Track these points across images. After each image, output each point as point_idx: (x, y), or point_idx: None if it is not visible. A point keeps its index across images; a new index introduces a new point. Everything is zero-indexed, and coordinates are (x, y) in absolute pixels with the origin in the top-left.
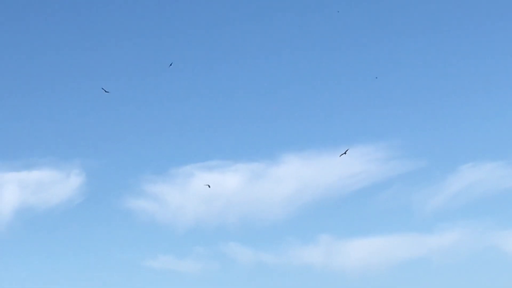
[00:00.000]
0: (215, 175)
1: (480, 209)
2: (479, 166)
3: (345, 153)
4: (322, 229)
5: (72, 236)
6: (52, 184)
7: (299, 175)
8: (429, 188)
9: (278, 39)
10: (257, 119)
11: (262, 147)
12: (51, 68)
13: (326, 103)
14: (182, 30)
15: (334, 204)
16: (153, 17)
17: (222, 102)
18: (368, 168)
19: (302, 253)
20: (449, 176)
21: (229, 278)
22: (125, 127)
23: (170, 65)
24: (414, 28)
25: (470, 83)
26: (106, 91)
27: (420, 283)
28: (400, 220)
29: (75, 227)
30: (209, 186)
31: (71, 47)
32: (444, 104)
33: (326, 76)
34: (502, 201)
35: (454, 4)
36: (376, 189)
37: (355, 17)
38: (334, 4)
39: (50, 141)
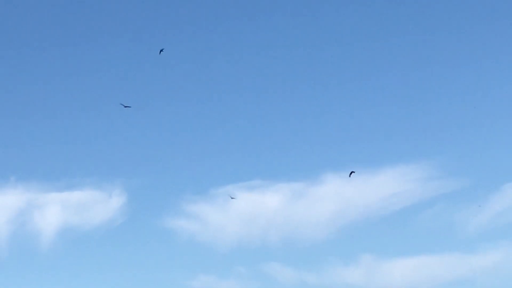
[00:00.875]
0: (256, 195)
1: None
2: None
3: (352, 172)
4: (363, 249)
5: (114, 256)
6: (94, 204)
7: (340, 195)
8: (471, 208)
9: (320, 66)
10: (298, 139)
11: (302, 166)
12: (93, 91)
13: (367, 123)
14: (227, 52)
15: (376, 224)
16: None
17: (263, 122)
18: (409, 188)
19: (343, 273)
20: (491, 195)
21: None
22: (166, 148)
23: (161, 51)
24: (457, 53)
25: None
26: (125, 106)
27: None
28: (443, 240)
29: (116, 247)
30: (232, 198)
31: (114, 72)
32: (485, 123)
33: (366, 98)
34: None
35: None
36: (418, 209)
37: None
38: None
39: (92, 162)
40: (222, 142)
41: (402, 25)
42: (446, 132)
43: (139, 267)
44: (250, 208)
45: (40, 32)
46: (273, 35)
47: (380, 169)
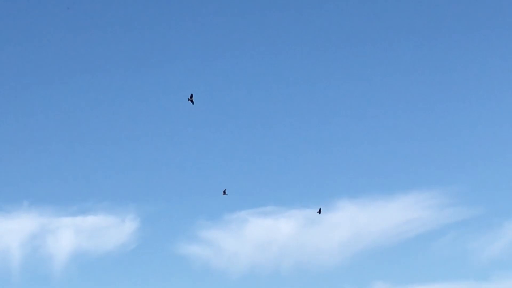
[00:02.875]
0: (269, 221)
1: None
2: None
3: (319, 212)
4: (377, 277)
5: (126, 281)
6: (107, 229)
7: (354, 222)
8: (485, 236)
9: (337, 94)
10: (312, 165)
11: (316, 193)
12: (107, 117)
13: (381, 150)
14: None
15: (389, 251)
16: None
17: (277, 148)
18: (423, 215)
19: None
20: (506, 224)
21: None
22: (180, 173)
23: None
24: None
25: None
26: (190, 100)
27: None
28: (457, 268)
29: (129, 272)
30: (224, 193)
31: (128, 96)
32: (500, 151)
33: (381, 125)
34: None
35: None
36: (432, 236)
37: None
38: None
39: (106, 186)
40: (236, 168)
41: (420, 54)
42: (460, 160)
43: None
44: (264, 234)
45: (60, 60)
46: (289, 61)
47: (394, 196)
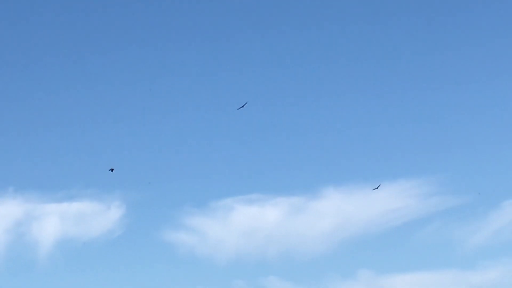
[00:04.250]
0: (255, 208)
1: None
2: None
3: (377, 187)
4: (362, 265)
5: (112, 268)
6: (93, 216)
7: (340, 210)
8: (471, 224)
9: (321, 81)
10: (298, 153)
11: (302, 181)
12: (93, 102)
13: (367, 138)
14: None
15: (375, 239)
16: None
17: (262, 136)
18: (409, 203)
19: None
20: (491, 212)
21: None
22: (165, 160)
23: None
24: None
25: None
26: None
27: None
28: (442, 257)
29: (115, 259)
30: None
31: (115, 82)
32: (486, 140)
33: (367, 112)
34: None
35: None
36: (417, 225)
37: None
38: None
39: (91, 173)
40: (222, 155)
41: (409, 45)
42: (446, 149)
43: (137, 280)
44: (249, 222)
45: (43, 39)
46: (274, 58)
47: (380, 183)
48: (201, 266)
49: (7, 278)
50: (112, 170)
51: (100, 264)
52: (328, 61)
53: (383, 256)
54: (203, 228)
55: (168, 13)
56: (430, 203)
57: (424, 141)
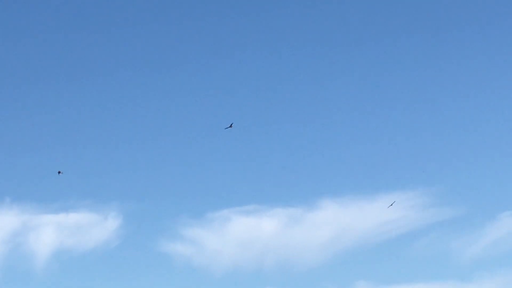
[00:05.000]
0: (252, 219)
1: None
2: None
3: (392, 205)
4: (359, 276)
5: (108, 279)
6: (90, 226)
7: (336, 221)
8: (467, 236)
9: (320, 92)
10: (295, 164)
11: (299, 192)
12: (89, 113)
13: (364, 150)
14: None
15: (372, 251)
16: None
17: (260, 147)
18: (406, 215)
19: None
20: (488, 224)
21: None
22: (162, 171)
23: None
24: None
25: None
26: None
27: None
28: (438, 268)
29: (111, 270)
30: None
31: (110, 94)
32: (482, 152)
33: (364, 125)
34: None
35: None
36: (414, 236)
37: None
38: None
39: (88, 184)
40: (219, 166)
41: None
42: (443, 160)
43: None
44: (246, 233)
45: (45, 40)
46: (273, 55)
47: (377, 195)
48: (198, 277)
49: None
50: (59, 172)
51: (97, 275)
52: (326, 74)
53: (380, 267)
54: (200, 239)
55: (166, 11)
56: (426, 215)
57: (420, 153)
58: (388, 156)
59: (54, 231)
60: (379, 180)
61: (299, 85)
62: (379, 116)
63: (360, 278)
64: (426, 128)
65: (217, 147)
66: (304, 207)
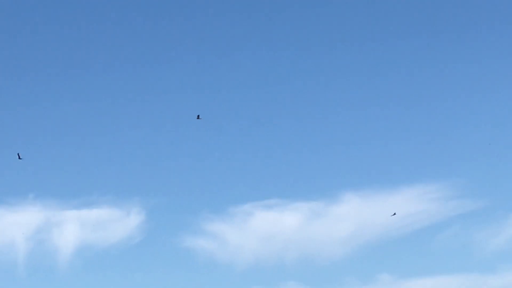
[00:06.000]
0: (273, 213)
1: None
2: None
3: (394, 214)
4: (381, 269)
5: (131, 274)
6: (112, 222)
7: (358, 214)
8: (490, 228)
9: (342, 88)
10: (316, 158)
11: (321, 185)
12: (113, 110)
13: (386, 143)
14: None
15: (394, 244)
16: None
17: (282, 141)
18: (428, 207)
19: None
20: (510, 216)
21: None
22: (184, 166)
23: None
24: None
25: None
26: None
27: None
28: (461, 260)
29: (134, 265)
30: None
31: (132, 90)
32: (504, 143)
33: (385, 118)
34: None
35: None
36: (437, 229)
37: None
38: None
39: (110, 180)
40: (241, 161)
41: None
42: (465, 152)
43: (156, 285)
44: (268, 227)
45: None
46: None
47: (398, 188)
48: (220, 272)
49: (28, 284)
50: (19, 156)
51: (120, 270)
52: (348, 70)
53: (403, 260)
54: (222, 234)
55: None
56: (449, 207)
57: (442, 146)
58: (410, 149)
59: (77, 227)
60: (400, 173)
61: (320, 78)
62: (401, 109)
63: (383, 271)
64: (448, 121)
65: (239, 142)
66: (325, 200)
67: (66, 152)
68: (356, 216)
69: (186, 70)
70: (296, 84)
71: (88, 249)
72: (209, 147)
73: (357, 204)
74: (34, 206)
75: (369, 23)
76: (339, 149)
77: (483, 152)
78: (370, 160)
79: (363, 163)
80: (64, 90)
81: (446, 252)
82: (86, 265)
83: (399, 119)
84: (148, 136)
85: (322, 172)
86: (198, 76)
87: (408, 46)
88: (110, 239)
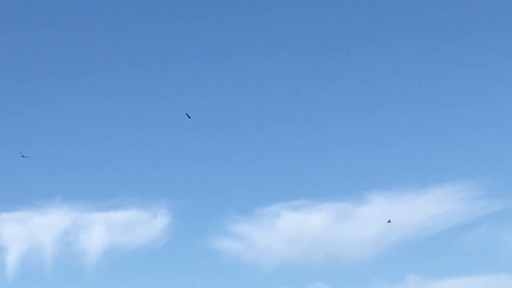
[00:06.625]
0: (300, 214)
1: None
2: None
3: (389, 221)
4: (409, 270)
5: (158, 276)
6: (139, 224)
7: (386, 215)
8: None
9: (368, 92)
10: (343, 159)
11: (347, 186)
12: (140, 113)
13: (413, 143)
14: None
15: (422, 244)
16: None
17: (308, 143)
18: (456, 208)
19: None
20: None
21: None
22: (211, 168)
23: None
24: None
25: None
26: (188, 116)
27: None
28: (489, 261)
29: (161, 267)
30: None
31: (155, 94)
32: None
33: (413, 118)
34: None
35: None
36: (465, 229)
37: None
38: None
39: (137, 182)
40: (267, 162)
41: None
42: (492, 152)
43: (183, 287)
44: (295, 228)
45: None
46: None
47: (426, 188)
48: (247, 273)
49: (55, 287)
50: (23, 155)
51: (147, 272)
52: (367, 68)
53: (431, 261)
54: (248, 235)
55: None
56: (477, 207)
57: (469, 145)
58: (437, 149)
59: (104, 229)
60: (427, 173)
61: (344, 79)
62: (428, 110)
63: (411, 272)
64: (476, 120)
65: (266, 143)
66: (352, 201)
67: (94, 155)
68: (383, 216)
69: (208, 72)
70: (321, 85)
71: (115, 251)
72: (236, 149)
73: (384, 204)
74: (61, 209)
75: (375, 25)
76: (366, 150)
77: (510, 151)
78: (396, 161)
79: (389, 163)
80: (92, 92)
81: (474, 253)
82: (113, 267)
83: (426, 120)
84: (175, 138)
85: (349, 173)
86: (216, 78)
87: (431, 42)
88: (137, 241)
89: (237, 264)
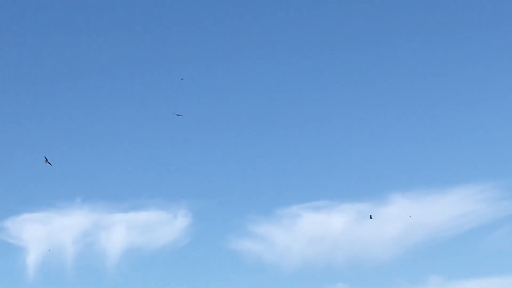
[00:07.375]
0: (321, 215)
1: None
2: None
3: (370, 217)
4: (431, 271)
5: (179, 277)
6: (159, 225)
7: (407, 215)
8: None
9: (386, 94)
10: (363, 160)
11: (368, 187)
12: (159, 113)
13: (433, 142)
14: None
15: (444, 245)
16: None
17: (329, 143)
18: (478, 208)
19: None
20: None
21: None
22: (231, 168)
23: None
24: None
25: None
26: (178, 115)
27: None
28: None
29: (182, 268)
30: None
31: (173, 96)
32: None
33: (434, 118)
34: None
35: None
36: (487, 230)
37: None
38: None
39: (158, 183)
40: (287, 162)
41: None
42: None
43: None
44: (316, 229)
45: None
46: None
47: (448, 189)
48: (268, 274)
49: (76, 287)
50: (46, 160)
51: (167, 274)
52: (386, 68)
53: (453, 262)
54: (269, 236)
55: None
56: (499, 207)
57: (491, 145)
58: (459, 150)
59: (124, 230)
60: (449, 173)
61: (350, 81)
62: (449, 108)
63: (432, 273)
64: (498, 120)
65: (287, 144)
66: (373, 202)
67: (113, 155)
68: (404, 217)
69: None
70: (342, 86)
71: (136, 252)
72: (257, 150)
73: (405, 205)
74: (81, 210)
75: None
76: (387, 150)
77: None
78: (418, 161)
79: (411, 164)
80: (113, 94)
81: (497, 253)
82: (133, 268)
83: (448, 120)
84: (195, 139)
85: (370, 174)
86: (232, 79)
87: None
88: (157, 242)
89: (258, 265)
